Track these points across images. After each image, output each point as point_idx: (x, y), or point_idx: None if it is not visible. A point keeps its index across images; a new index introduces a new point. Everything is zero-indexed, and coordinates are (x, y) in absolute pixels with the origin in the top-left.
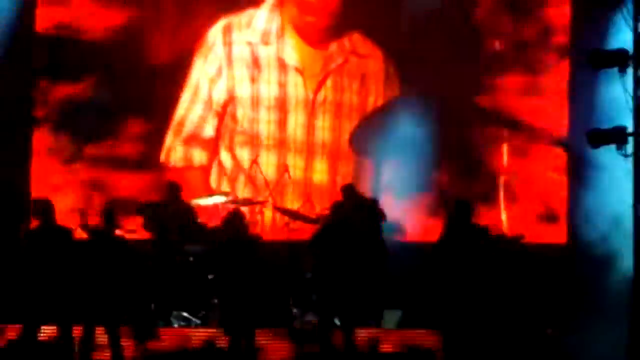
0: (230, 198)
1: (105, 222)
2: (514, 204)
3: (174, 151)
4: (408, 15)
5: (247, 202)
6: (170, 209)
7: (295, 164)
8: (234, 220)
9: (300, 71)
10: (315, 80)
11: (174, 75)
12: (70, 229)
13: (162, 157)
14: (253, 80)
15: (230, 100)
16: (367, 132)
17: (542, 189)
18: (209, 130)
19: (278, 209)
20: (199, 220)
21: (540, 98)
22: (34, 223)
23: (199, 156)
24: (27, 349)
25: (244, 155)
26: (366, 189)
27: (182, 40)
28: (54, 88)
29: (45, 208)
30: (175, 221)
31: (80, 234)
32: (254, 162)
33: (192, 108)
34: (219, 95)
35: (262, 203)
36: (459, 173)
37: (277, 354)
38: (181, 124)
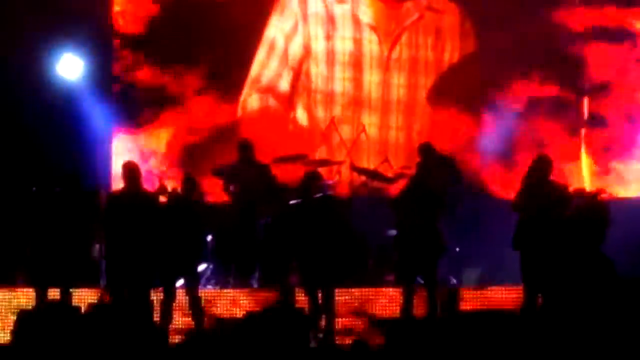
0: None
1: (185, 187)
2: (594, 158)
3: (250, 99)
4: None
5: (325, 162)
6: (247, 170)
7: (371, 122)
8: (311, 180)
9: (374, 28)
10: (390, 37)
11: (250, 35)
12: (154, 194)
13: (239, 111)
14: (328, 37)
15: (306, 56)
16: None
17: (621, 143)
18: (284, 85)
19: (356, 169)
20: (277, 180)
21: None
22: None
23: (274, 105)
24: (110, 312)
25: (320, 114)
26: (443, 145)
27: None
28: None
29: (131, 171)
30: (254, 182)
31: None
32: (332, 122)
33: (268, 64)
34: (295, 51)
35: (340, 163)
36: (538, 129)
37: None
38: (257, 79)
